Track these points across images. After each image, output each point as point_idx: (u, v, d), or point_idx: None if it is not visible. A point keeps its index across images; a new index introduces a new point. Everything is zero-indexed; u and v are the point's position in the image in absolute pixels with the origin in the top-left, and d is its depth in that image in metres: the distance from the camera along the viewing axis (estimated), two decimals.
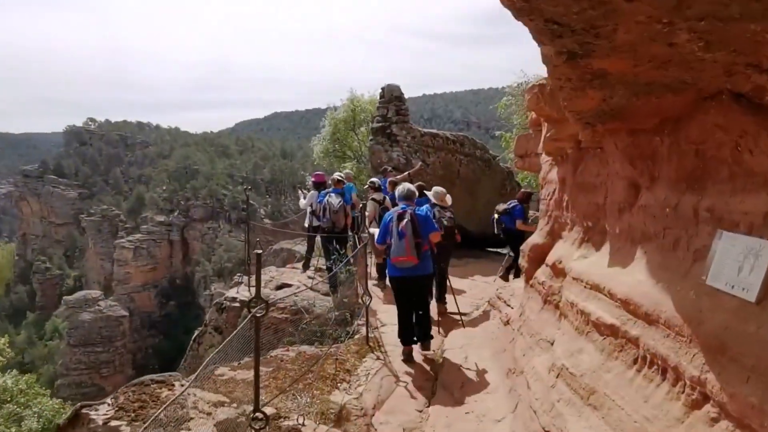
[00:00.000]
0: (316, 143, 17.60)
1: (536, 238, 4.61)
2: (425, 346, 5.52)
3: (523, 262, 4.90)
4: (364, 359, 5.28)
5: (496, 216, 8.27)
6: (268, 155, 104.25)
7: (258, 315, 3.10)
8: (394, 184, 9.25)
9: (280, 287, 7.42)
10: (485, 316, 6.29)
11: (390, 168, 10.96)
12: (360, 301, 5.80)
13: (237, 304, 6.89)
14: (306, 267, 8.76)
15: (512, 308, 5.44)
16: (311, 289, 7.41)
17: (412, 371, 5.10)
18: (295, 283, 7.61)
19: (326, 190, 8.06)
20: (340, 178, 8.54)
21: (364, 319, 5.75)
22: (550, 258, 4.08)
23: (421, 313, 5.50)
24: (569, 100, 2.48)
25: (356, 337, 5.80)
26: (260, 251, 3.58)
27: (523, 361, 3.93)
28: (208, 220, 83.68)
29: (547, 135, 4.11)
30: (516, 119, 18.12)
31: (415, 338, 5.46)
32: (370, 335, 5.71)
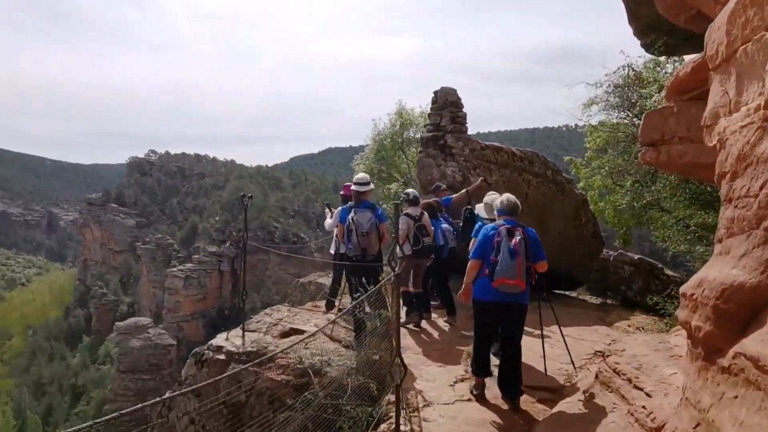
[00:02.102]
0: (357, 162, 15.59)
1: (730, 274, 2.33)
2: (514, 405, 4.45)
3: (687, 315, 2.61)
4: None
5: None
6: (320, 189, 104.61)
7: None
8: (429, 206, 7.24)
9: (287, 334, 5.35)
10: (590, 399, 3.91)
11: (443, 186, 8.85)
12: (390, 371, 3.64)
13: (222, 356, 4.88)
14: (329, 307, 6.69)
15: (651, 398, 3.12)
16: (330, 338, 5.32)
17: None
18: (310, 328, 5.54)
19: (348, 204, 6.03)
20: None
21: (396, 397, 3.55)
22: None
23: (512, 353, 4.54)
24: None
25: (382, 428, 3.61)
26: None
27: None
28: (258, 251, 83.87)
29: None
30: (591, 141, 15.64)
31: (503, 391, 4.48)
32: (404, 428, 3.49)
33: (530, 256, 4.46)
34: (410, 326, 6.59)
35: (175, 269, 76.26)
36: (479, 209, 6.05)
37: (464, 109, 9.76)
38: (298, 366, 4.55)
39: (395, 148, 15.27)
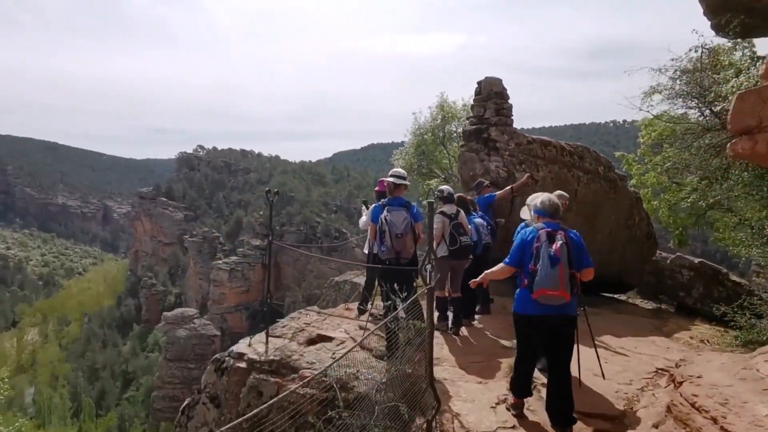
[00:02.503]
0: (396, 157, 14.98)
1: None
2: None
3: None
4: None
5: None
6: (362, 185, 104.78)
7: None
8: (464, 201, 6.70)
9: (313, 341, 4.94)
10: None
11: (486, 182, 8.27)
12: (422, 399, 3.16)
13: (243, 364, 4.51)
14: (361, 312, 6.23)
15: None
16: (361, 346, 4.89)
17: None
18: (340, 335, 5.11)
19: (381, 202, 5.47)
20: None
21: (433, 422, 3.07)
22: None
23: (560, 376, 3.99)
24: None
25: None
26: None
27: None
28: (300, 246, 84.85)
29: None
30: (645, 135, 14.72)
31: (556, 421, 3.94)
32: None
33: (573, 262, 3.94)
34: (450, 332, 6.10)
35: (220, 262, 78.13)
36: (522, 211, 5.51)
37: (510, 101, 9.12)
38: (324, 379, 4.14)
39: (436, 143, 14.56)
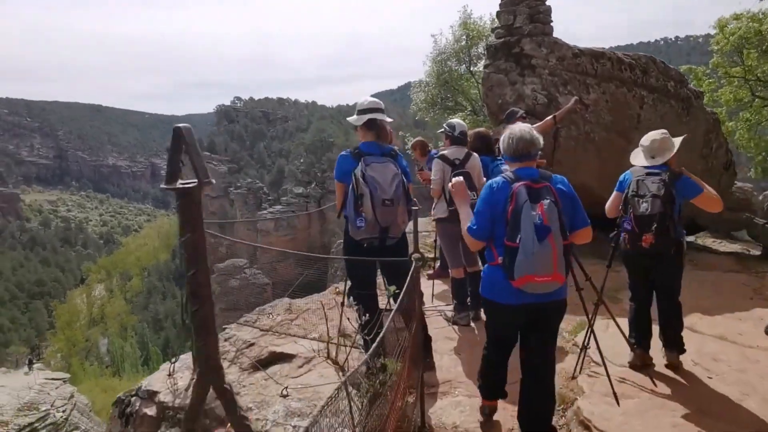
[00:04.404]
0: (416, 90, 12.71)
1: None
2: None
3: None
4: None
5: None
6: (401, 125, 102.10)
7: None
8: (485, 139, 4.94)
9: (266, 363, 3.41)
10: None
11: (521, 111, 6.38)
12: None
13: (153, 410, 3.06)
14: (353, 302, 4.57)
15: None
16: (333, 361, 3.44)
17: None
18: (304, 349, 3.57)
19: (352, 150, 3.51)
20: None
21: None
22: None
23: (541, 378, 2.83)
24: None
25: None
26: None
27: None
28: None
29: None
30: (721, 39, 12.31)
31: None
32: None
33: (565, 225, 2.60)
34: (472, 321, 4.56)
35: (265, 212, 79.08)
36: (634, 155, 3.77)
37: (547, 2, 7.01)
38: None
39: (460, 70, 12.26)
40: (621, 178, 3.76)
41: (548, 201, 2.53)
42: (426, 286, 5.29)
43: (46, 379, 17.40)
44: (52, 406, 14.93)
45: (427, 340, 3.68)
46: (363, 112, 3.50)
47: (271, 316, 4.32)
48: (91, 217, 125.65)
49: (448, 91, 12.20)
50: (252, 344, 3.73)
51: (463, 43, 12.27)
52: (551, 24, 7.05)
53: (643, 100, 7.67)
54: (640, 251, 3.47)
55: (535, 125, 6.22)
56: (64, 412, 15.12)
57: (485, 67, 7.21)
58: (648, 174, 3.53)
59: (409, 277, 2.73)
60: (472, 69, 12.12)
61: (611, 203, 3.77)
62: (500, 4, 7.12)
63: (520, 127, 2.78)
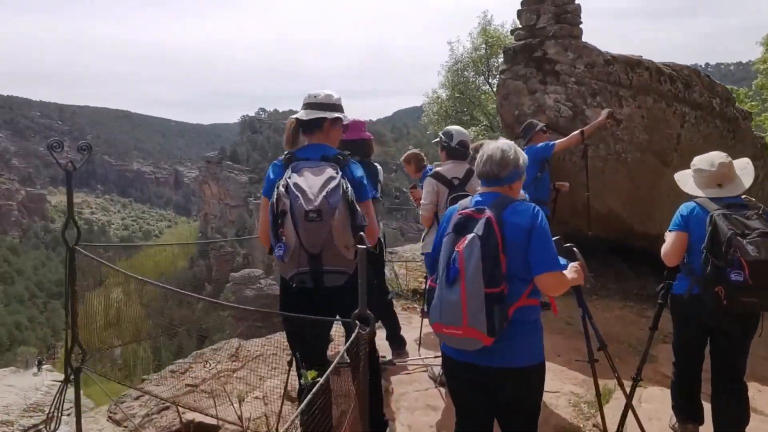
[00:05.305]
0: (429, 102, 11.71)
1: None
2: None
3: None
4: None
5: None
6: (422, 142, 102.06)
7: None
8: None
9: None
10: None
11: (541, 125, 5.46)
12: None
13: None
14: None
15: None
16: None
17: None
18: (234, 416, 2.67)
19: (283, 156, 2.58)
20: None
21: None
22: None
23: None
24: None
25: None
26: None
27: None
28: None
29: None
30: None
31: None
32: None
33: (510, 268, 2.03)
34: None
35: None
36: (682, 179, 2.91)
37: (576, 2, 6.10)
38: None
39: (478, 82, 11.24)
40: (683, 212, 2.82)
41: (472, 236, 1.99)
42: (412, 328, 4.37)
43: (54, 380, 17.01)
44: (57, 408, 14.37)
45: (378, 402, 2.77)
46: (311, 107, 2.64)
47: (209, 364, 3.44)
48: (114, 220, 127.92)
49: (464, 104, 11.06)
50: (166, 408, 2.84)
51: (482, 51, 11.21)
52: (580, 26, 6.13)
53: (685, 117, 6.67)
54: (737, 309, 2.54)
55: (558, 141, 5.32)
56: (69, 415, 14.60)
57: (501, 72, 6.29)
58: (728, 206, 2.63)
59: (354, 347, 1.81)
60: (490, 81, 11.12)
61: (673, 246, 2.84)
62: (522, 2, 6.22)
63: (495, 145, 2.26)
